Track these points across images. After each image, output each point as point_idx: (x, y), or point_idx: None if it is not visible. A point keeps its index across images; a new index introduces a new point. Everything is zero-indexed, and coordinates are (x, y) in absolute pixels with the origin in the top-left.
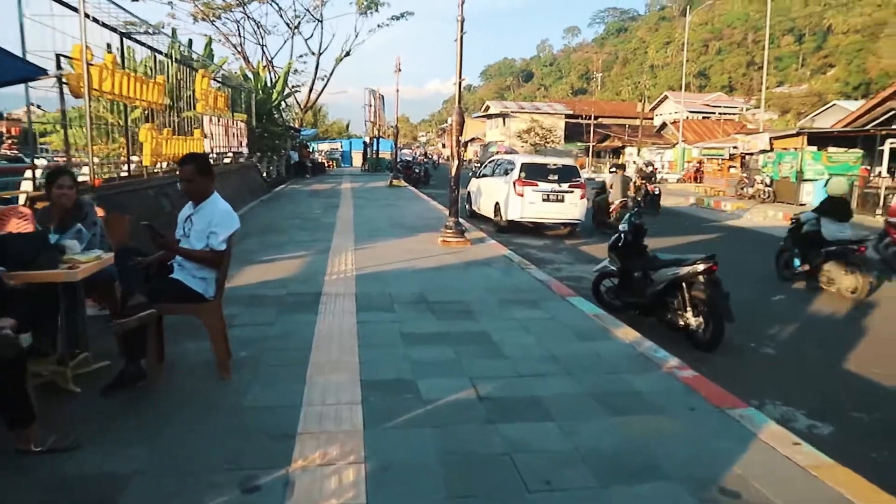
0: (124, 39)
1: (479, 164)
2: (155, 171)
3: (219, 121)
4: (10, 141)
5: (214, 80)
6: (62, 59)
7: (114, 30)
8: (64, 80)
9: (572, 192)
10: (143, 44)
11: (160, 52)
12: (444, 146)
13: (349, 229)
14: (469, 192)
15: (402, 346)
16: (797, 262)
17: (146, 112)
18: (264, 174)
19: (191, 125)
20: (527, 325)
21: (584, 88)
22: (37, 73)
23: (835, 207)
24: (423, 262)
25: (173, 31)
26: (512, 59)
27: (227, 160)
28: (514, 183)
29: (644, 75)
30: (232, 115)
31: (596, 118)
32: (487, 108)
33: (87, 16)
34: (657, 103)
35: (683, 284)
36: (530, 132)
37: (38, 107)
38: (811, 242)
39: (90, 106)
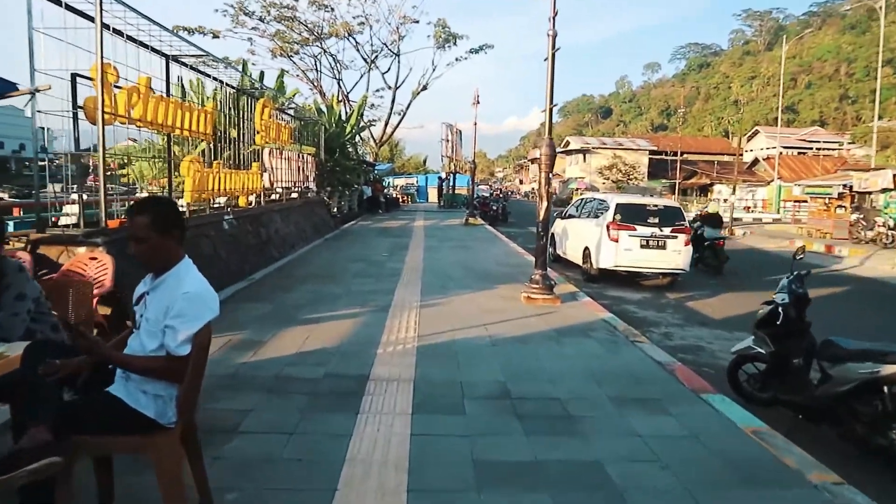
0: (170, 63)
1: (559, 203)
2: (201, 208)
3: (281, 154)
4: (93, 174)
5: (280, 111)
6: (79, 78)
7: (159, 52)
8: (79, 105)
9: (675, 237)
10: (191, 67)
11: (208, 76)
12: (521, 182)
13: (417, 278)
14: (553, 234)
15: (475, 488)
16: None
17: (209, 145)
18: (334, 210)
19: (252, 159)
20: (657, 450)
21: (664, 125)
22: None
23: None
24: (504, 329)
25: (244, 63)
26: (590, 95)
27: (293, 195)
28: (607, 226)
29: (727, 111)
30: (300, 148)
31: (681, 154)
32: (567, 143)
33: (106, 27)
34: (746, 139)
35: (887, 389)
36: (612, 168)
37: (134, 140)
38: None
39: (103, 132)
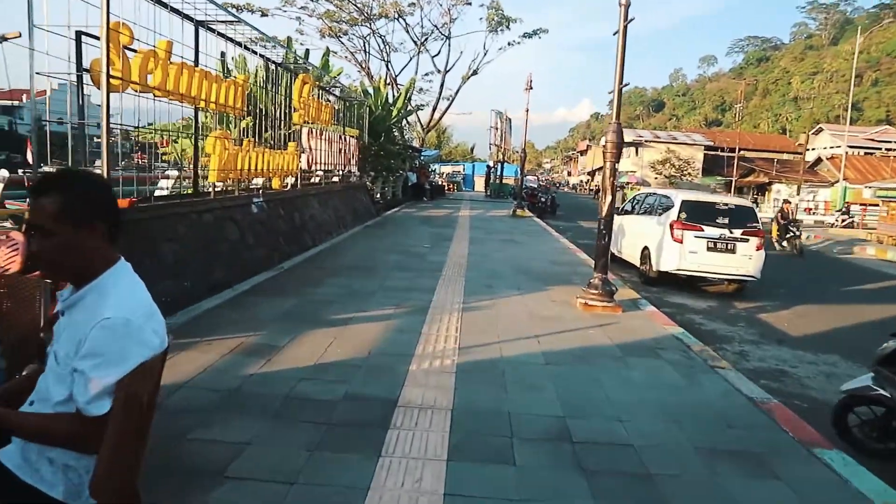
0: (200, 29)
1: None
2: (229, 189)
3: (322, 134)
4: (140, 152)
5: (324, 90)
6: (86, 37)
7: (186, 17)
8: (85, 68)
9: (747, 240)
10: (220, 34)
11: (239, 44)
12: (569, 174)
13: (460, 274)
14: None
15: None
16: None
17: (250, 123)
18: (377, 195)
19: (289, 138)
20: None
21: (718, 120)
22: None
23: None
24: (560, 342)
25: (288, 39)
26: (643, 87)
27: (334, 179)
28: (671, 225)
29: (786, 107)
30: (343, 130)
31: (738, 150)
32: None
33: None
34: (809, 136)
35: None
36: (665, 163)
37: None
38: None
39: (108, 97)
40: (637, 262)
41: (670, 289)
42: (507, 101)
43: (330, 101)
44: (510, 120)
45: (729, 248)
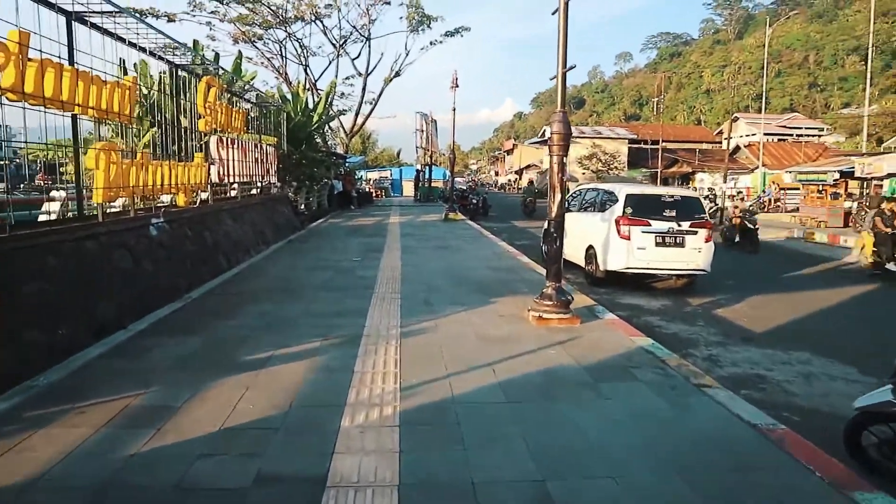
0: (73, 23)
1: (540, 194)
2: (123, 210)
3: (233, 143)
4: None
5: (236, 95)
6: None
7: (52, 6)
8: None
9: (695, 232)
10: (98, 27)
11: (123, 41)
12: (496, 174)
13: (394, 290)
14: (548, 230)
15: None
16: None
17: (153, 135)
18: (301, 206)
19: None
20: None
21: (637, 114)
22: None
23: None
24: (518, 369)
25: (194, 42)
26: None
27: (252, 191)
28: (616, 221)
29: (699, 99)
30: (260, 139)
31: (661, 142)
32: (544, 132)
33: None
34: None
35: None
36: (592, 158)
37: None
38: None
39: None
40: (581, 263)
41: (619, 288)
42: (431, 102)
43: (242, 108)
44: (436, 122)
45: (678, 241)
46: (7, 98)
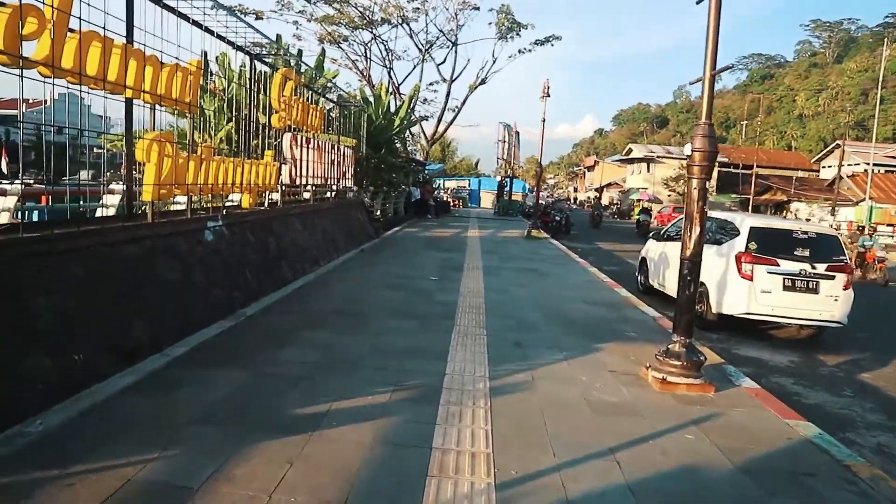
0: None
1: (621, 215)
2: (179, 209)
3: (309, 142)
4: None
5: (310, 89)
6: None
7: None
8: None
9: (832, 277)
10: (172, 10)
11: (185, 18)
12: (575, 190)
13: (478, 324)
14: (645, 259)
15: None
16: None
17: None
18: (377, 213)
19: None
20: None
21: (723, 137)
22: None
23: None
24: (651, 463)
25: (278, 36)
26: (646, 104)
27: (327, 194)
28: (737, 258)
29: (791, 125)
30: (338, 139)
31: (750, 167)
32: (629, 151)
33: None
34: (823, 154)
35: None
36: (679, 180)
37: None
38: None
39: None
40: None
41: (732, 334)
42: (511, 114)
43: (321, 106)
44: (518, 133)
45: (810, 286)
46: (40, 73)
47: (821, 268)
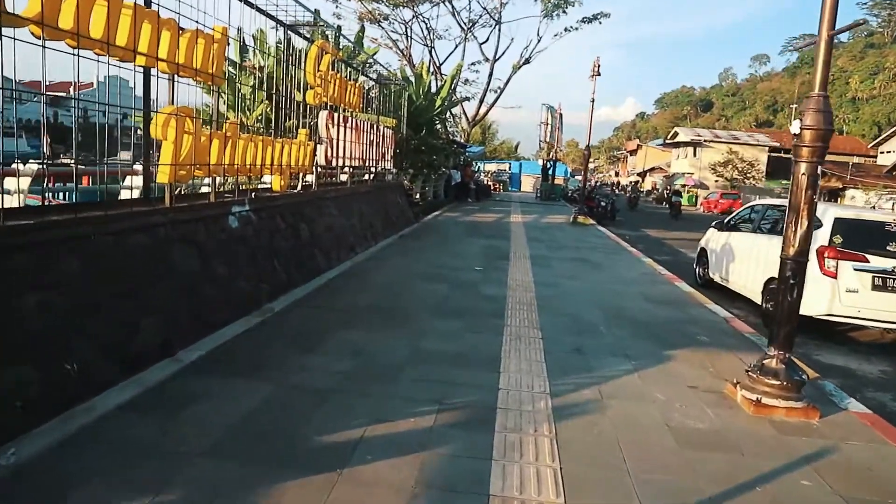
0: None
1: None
2: (189, 190)
3: (347, 121)
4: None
5: (349, 65)
6: None
7: None
8: None
9: None
10: None
11: None
12: (616, 174)
13: (532, 323)
14: (705, 250)
15: None
16: None
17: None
18: (416, 196)
19: (300, 125)
20: None
21: (770, 121)
22: None
23: None
24: None
25: (316, 10)
26: (691, 87)
27: (365, 176)
28: (819, 252)
29: (843, 108)
30: (377, 119)
31: None
32: (675, 134)
33: None
34: (882, 139)
35: None
36: (727, 165)
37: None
38: None
39: None
40: (756, 298)
41: (810, 337)
42: (552, 97)
43: (359, 83)
44: (561, 115)
45: None
46: (31, 33)
47: None
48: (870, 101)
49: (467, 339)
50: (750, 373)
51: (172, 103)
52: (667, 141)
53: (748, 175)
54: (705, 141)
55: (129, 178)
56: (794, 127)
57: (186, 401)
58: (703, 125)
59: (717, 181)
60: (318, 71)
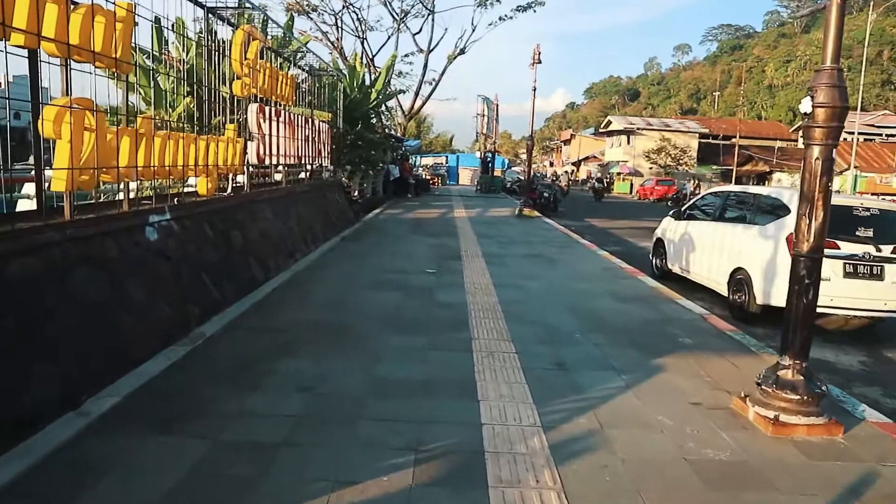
0: None
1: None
2: (106, 200)
3: (278, 115)
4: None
5: (279, 55)
6: None
7: None
8: None
9: None
10: None
11: None
12: (551, 164)
13: (501, 335)
14: (661, 241)
15: None
16: None
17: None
18: (355, 193)
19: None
20: None
21: (693, 108)
22: None
23: None
24: None
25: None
26: (618, 76)
27: (301, 175)
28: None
29: (761, 94)
30: (311, 113)
31: (729, 138)
32: (609, 123)
33: None
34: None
35: None
36: (661, 152)
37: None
38: None
39: None
40: (720, 289)
41: (774, 326)
42: (485, 90)
43: (290, 73)
44: (497, 107)
45: (875, 272)
46: None
47: (887, 250)
48: (784, 88)
49: (432, 359)
50: (763, 386)
51: (68, 94)
52: (600, 130)
53: (681, 161)
54: (638, 129)
55: (26, 186)
56: (805, 105)
57: (90, 474)
58: (631, 114)
59: (651, 168)
60: (246, 59)
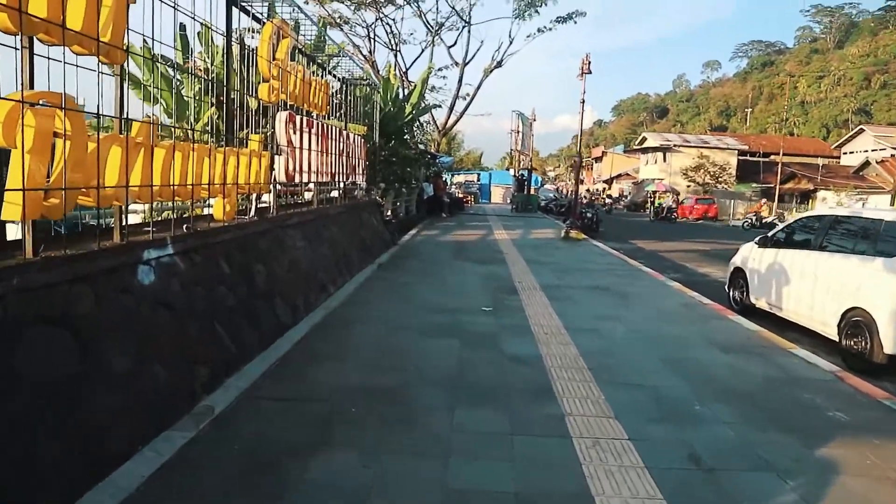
0: None
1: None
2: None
3: (311, 126)
4: None
5: (312, 60)
6: None
7: None
8: None
9: None
10: None
11: None
12: (582, 182)
13: (601, 412)
14: (742, 270)
15: None
16: None
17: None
18: (388, 213)
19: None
20: None
21: (723, 125)
22: None
23: None
24: None
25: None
26: (646, 94)
27: (333, 193)
28: None
29: (793, 111)
30: (345, 125)
31: (768, 155)
32: (644, 140)
33: None
34: (845, 140)
35: None
36: (699, 170)
37: None
38: None
39: None
40: (827, 331)
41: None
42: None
43: (322, 76)
44: (532, 123)
45: None
46: None
47: None
48: (817, 104)
49: (520, 453)
50: None
51: (31, 87)
52: (634, 146)
53: (720, 179)
54: (675, 146)
55: None
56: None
57: None
58: (659, 130)
59: (689, 186)
60: (275, 59)
